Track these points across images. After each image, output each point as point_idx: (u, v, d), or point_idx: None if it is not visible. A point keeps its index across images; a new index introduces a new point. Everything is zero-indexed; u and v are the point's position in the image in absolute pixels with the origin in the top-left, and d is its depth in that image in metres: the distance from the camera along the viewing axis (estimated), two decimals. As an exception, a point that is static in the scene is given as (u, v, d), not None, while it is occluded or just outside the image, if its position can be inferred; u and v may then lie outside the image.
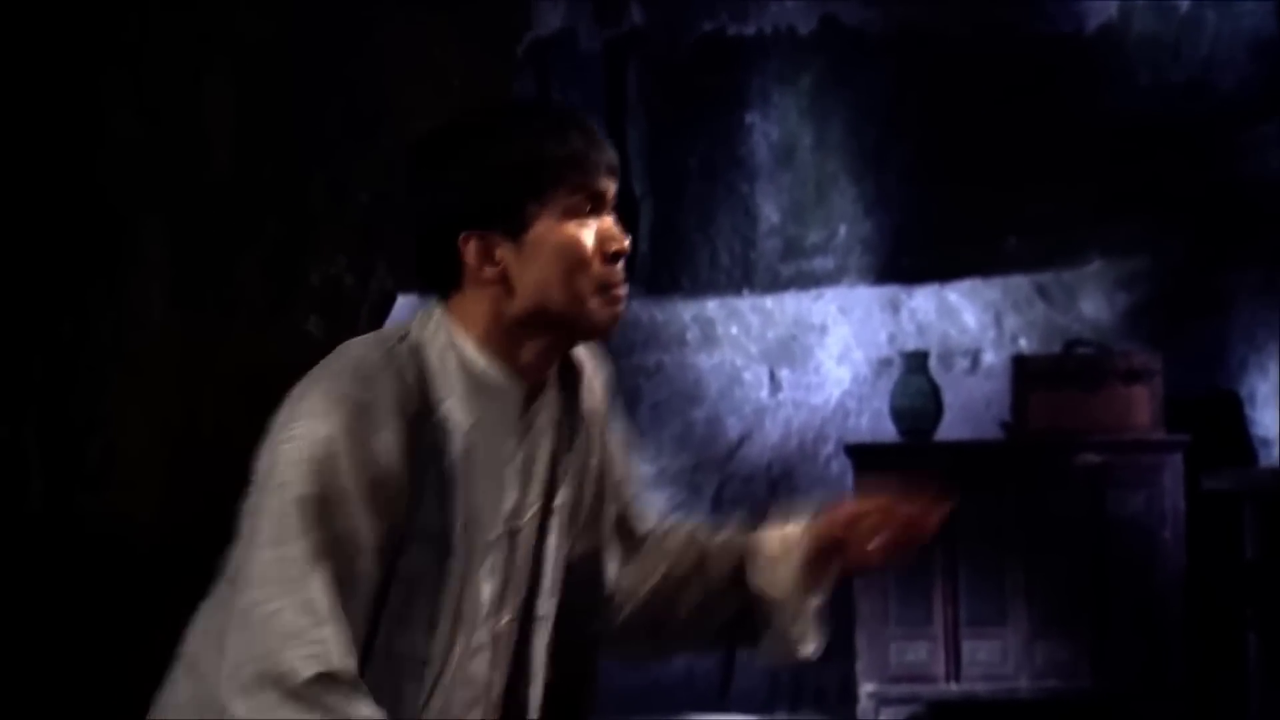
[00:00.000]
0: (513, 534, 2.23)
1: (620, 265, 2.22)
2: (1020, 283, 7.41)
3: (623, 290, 2.22)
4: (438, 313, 2.22)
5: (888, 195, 7.32)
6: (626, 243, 2.22)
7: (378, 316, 3.98)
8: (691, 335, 7.35)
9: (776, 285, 7.30)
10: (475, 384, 2.19)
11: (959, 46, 7.25)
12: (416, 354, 2.17)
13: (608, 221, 2.22)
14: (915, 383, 6.83)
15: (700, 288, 7.29)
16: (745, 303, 7.31)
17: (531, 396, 2.24)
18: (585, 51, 7.29)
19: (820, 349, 7.29)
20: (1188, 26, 7.25)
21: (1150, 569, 6.51)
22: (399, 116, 3.77)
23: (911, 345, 7.12)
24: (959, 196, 7.26)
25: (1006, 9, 7.28)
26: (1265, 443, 7.10)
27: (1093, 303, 7.39)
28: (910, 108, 7.30)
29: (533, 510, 2.25)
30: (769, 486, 7.19)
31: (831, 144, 7.35)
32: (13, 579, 3.31)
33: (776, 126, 7.29)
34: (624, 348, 7.14)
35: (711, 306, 7.33)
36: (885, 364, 7.22)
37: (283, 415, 2.12)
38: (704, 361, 7.32)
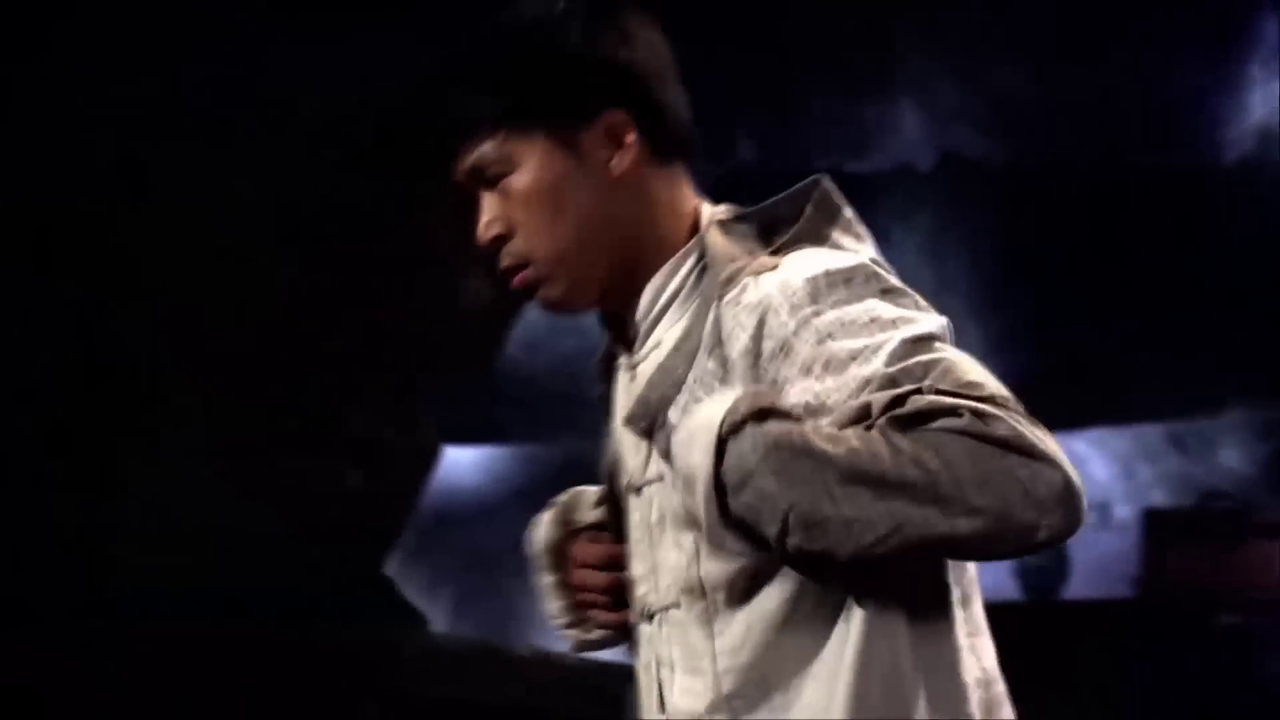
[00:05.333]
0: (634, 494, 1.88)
1: None
2: (1152, 431, 6.88)
3: None
4: None
5: (1012, 336, 6.74)
6: None
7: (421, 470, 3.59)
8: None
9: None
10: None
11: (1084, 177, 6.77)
12: None
13: None
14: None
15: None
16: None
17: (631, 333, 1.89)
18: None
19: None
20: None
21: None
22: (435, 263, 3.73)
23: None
24: (1086, 338, 6.81)
25: (1138, 137, 6.64)
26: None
27: (1232, 453, 6.89)
28: (1030, 244, 6.79)
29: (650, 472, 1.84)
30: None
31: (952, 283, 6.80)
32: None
33: (895, 265, 6.81)
34: None
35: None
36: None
37: None
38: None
